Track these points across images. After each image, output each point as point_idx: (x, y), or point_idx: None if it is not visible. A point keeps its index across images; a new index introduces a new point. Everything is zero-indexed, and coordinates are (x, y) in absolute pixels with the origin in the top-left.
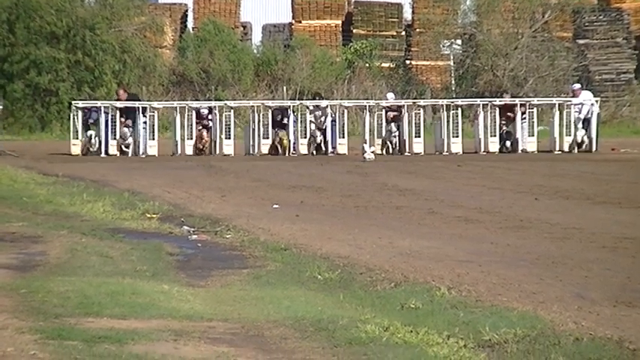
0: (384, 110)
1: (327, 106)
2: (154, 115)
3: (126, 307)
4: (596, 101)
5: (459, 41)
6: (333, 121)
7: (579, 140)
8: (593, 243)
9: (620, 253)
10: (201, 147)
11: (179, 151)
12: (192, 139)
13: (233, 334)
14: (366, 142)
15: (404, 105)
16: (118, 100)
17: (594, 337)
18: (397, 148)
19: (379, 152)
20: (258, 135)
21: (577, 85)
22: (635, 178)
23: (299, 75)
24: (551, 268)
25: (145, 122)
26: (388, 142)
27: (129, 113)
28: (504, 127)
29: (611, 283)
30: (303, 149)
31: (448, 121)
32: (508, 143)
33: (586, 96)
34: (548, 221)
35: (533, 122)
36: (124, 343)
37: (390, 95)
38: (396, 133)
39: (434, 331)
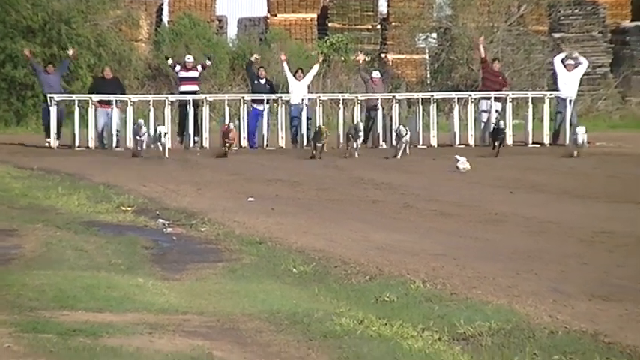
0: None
1: (302, 100)
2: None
3: (101, 301)
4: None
5: (434, 35)
6: (309, 118)
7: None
8: (569, 237)
9: (596, 247)
10: (227, 148)
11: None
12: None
13: (208, 328)
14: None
15: (379, 99)
16: (102, 78)
17: (569, 331)
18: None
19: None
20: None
21: None
22: (612, 172)
23: (274, 69)
24: (526, 262)
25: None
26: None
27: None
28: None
29: (587, 277)
30: (281, 142)
31: (423, 115)
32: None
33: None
34: (525, 215)
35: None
36: (99, 337)
37: (376, 73)
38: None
39: (409, 324)
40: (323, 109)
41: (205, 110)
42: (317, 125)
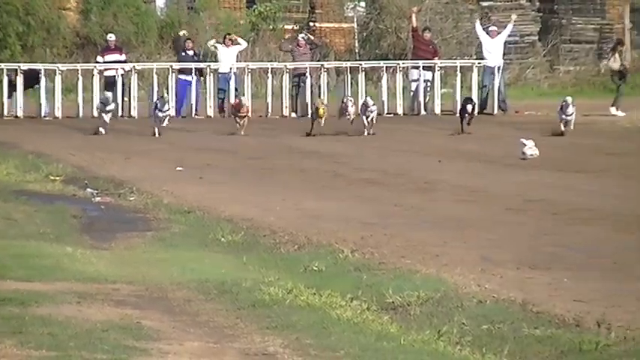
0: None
1: (230, 69)
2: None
3: (30, 270)
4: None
5: (362, 3)
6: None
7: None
8: (498, 205)
9: (525, 215)
10: (239, 125)
11: (81, 114)
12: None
13: (137, 297)
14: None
15: (307, 67)
16: None
17: (498, 300)
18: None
19: (293, 115)
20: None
21: None
22: (540, 141)
23: (203, 37)
24: (455, 231)
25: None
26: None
27: (31, 77)
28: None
29: (516, 245)
30: (210, 112)
31: (352, 84)
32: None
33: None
34: (454, 183)
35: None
36: (28, 306)
37: (302, 36)
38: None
39: (337, 294)
40: (252, 78)
41: (134, 79)
42: (314, 102)
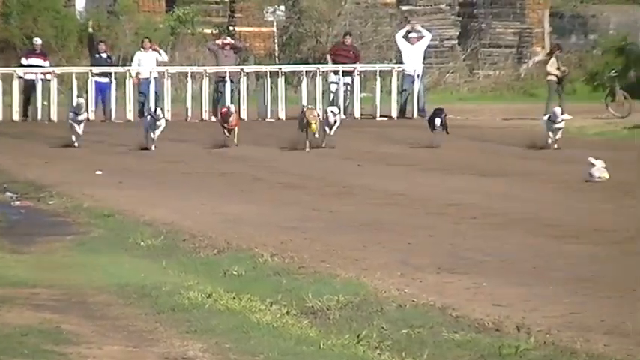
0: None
1: (150, 73)
2: None
3: None
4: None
5: (282, 7)
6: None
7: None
8: (418, 209)
9: (444, 219)
10: (227, 134)
11: (0, 117)
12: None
13: (57, 301)
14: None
15: (227, 72)
16: None
17: (417, 304)
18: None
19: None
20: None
21: None
22: (460, 145)
23: (123, 41)
24: (375, 235)
25: None
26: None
27: None
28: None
29: (436, 249)
30: (129, 115)
31: (272, 88)
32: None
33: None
34: (373, 187)
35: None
36: None
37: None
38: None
39: (257, 298)
40: (171, 82)
41: (53, 83)
42: (302, 110)
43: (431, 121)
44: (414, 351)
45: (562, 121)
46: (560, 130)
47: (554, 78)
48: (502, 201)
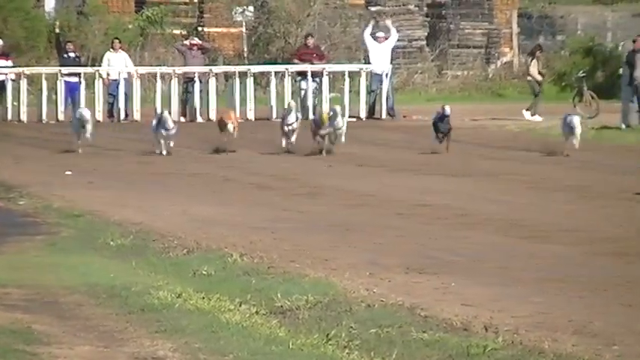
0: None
1: (119, 74)
2: None
3: None
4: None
5: (251, 8)
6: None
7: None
8: (387, 210)
9: (414, 220)
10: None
11: None
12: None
13: (28, 301)
14: None
15: (195, 72)
16: None
17: (386, 304)
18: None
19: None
20: (56, 101)
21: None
22: (429, 145)
23: (92, 42)
24: (344, 235)
25: None
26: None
27: None
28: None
29: (404, 249)
30: (98, 116)
31: (241, 88)
32: None
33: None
34: (343, 188)
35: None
36: None
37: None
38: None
39: (226, 298)
40: (141, 83)
41: (23, 84)
42: (314, 113)
43: (435, 126)
44: (383, 351)
45: (578, 126)
46: (579, 137)
47: (535, 79)
48: (472, 201)
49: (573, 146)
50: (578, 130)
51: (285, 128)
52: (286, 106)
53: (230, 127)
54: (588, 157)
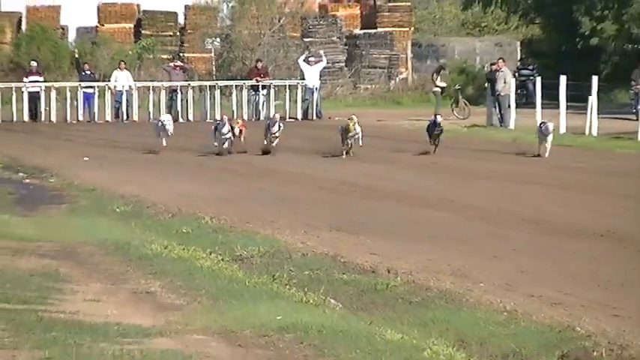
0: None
1: (123, 87)
2: None
3: None
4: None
5: (218, 39)
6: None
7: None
8: (316, 186)
9: (336, 193)
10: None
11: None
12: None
13: (55, 251)
14: None
15: (178, 86)
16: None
17: (316, 253)
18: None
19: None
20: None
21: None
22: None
23: (102, 63)
24: (286, 204)
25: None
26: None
27: None
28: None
29: (330, 215)
30: (108, 117)
31: (210, 97)
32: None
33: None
34: (284, 170)
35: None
36: None
37: (177, 63)
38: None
39: (200, 249)
40: (138, 94)
41: (52, 94)
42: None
43: (429, 131)
44: (313, 287)
45: (551, 133)
46: (550, 141)
47: (439, 90)
48: (379, 180)
49: (545, 150)
50: (550, 137)
51: (270, 136)
52: (271, 117)
53: (236, 130)
54: (460, 145)
